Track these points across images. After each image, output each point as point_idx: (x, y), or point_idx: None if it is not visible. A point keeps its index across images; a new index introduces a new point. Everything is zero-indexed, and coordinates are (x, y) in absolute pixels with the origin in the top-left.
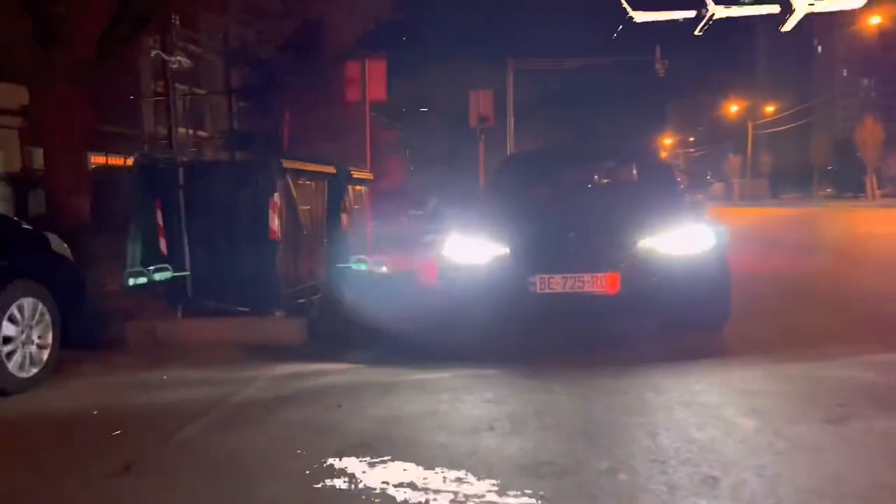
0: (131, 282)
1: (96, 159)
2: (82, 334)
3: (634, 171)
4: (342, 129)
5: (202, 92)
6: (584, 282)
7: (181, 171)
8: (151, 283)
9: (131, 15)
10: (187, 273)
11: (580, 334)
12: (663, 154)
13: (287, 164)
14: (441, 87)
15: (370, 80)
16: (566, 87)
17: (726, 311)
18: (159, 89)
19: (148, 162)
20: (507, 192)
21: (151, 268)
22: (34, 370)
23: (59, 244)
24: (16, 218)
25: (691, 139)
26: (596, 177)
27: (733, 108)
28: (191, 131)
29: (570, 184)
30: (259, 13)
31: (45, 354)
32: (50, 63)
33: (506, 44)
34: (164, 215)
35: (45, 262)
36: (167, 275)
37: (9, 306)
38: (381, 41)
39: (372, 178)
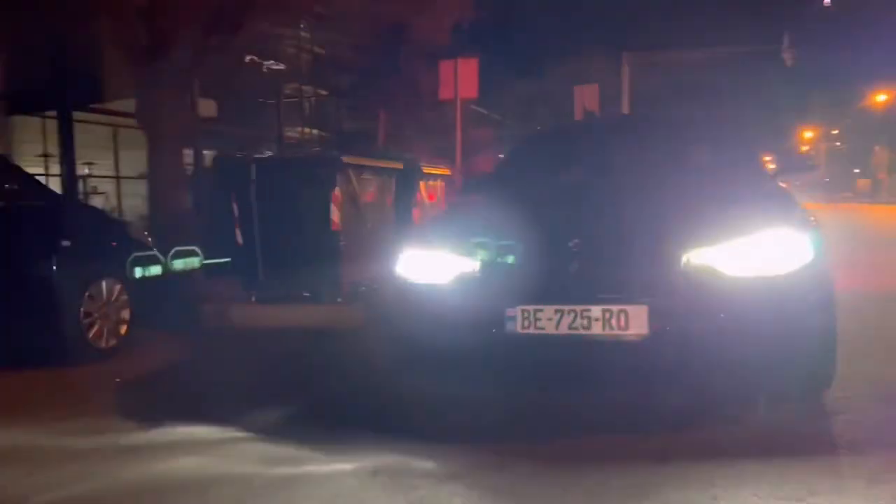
0: (138, 272)
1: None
2: (161, 314)
3: (701, 153)
4: (438, 127)
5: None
6: (589, 319)
7: (253, 167)
8: (169, 272)
9: (225, 24)
10: (226, 260)
11: (583, 403)
12: (803, 148)
13: (347, 159)
14: (547, 82)
15: (462, 78)
16: (688, 80)
17: (827, 372)
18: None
19: (224, 159)
20: (507, 184)
21: (171, 254)
22: (111, 342)
23: (138, 231)
24: (100, 208)
25: (834, 131)
26: (643, 160)
27: (881, 98)
28: (312, 131)
29: (598, 171)
30: (349, 18)
31: (122, 329)
32: (154, 72)
33: (616, 36)
34: (238, 208)
35: (124, 247)
36: (195, 261)
37: (89, 285)
38: (482, 36)
39: (449, 173)
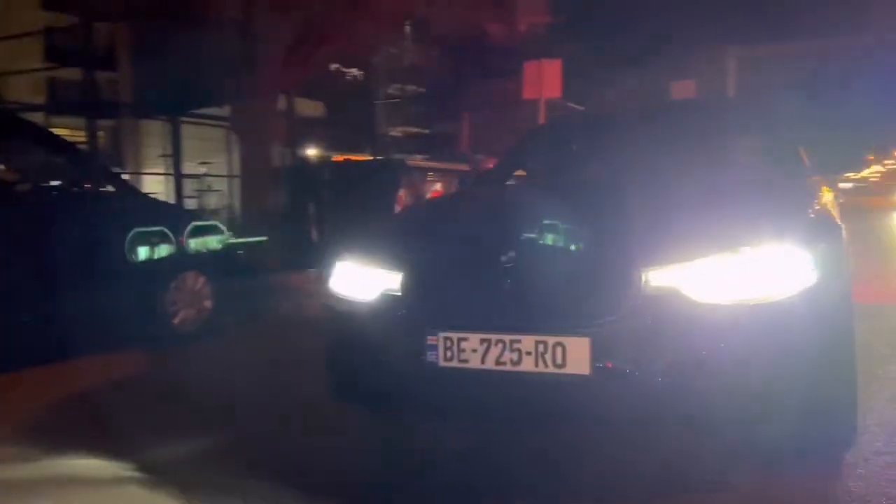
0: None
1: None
2: (244, 305)
3: (719, 146)
4: (524, 128)
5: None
6: (520, 352)
7: (327, 169)
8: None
9: (314, 36)
10: (261, 238)
11: (520, 458)
12: None
13: (412, 162)
14: (645, 78)
15: (546, 78)
16: (801, 73)
17: (847, 430)
18: (392, 91)
19: (302, 162)
20: (480, 185)
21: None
22: (192, 328)
23: (222, 228)
24: (186, 207)
25: None
26: (641, 157)
27: None
28: (409, 129)
29: (579, 170)
30: (438, 23)
31: (203, 317)
32: (248, 83)
33: (720, 28)
34: (314, 207)
35: (209, 242)
36: (215, 241)
37: (175, 277)
38: (576, 32)
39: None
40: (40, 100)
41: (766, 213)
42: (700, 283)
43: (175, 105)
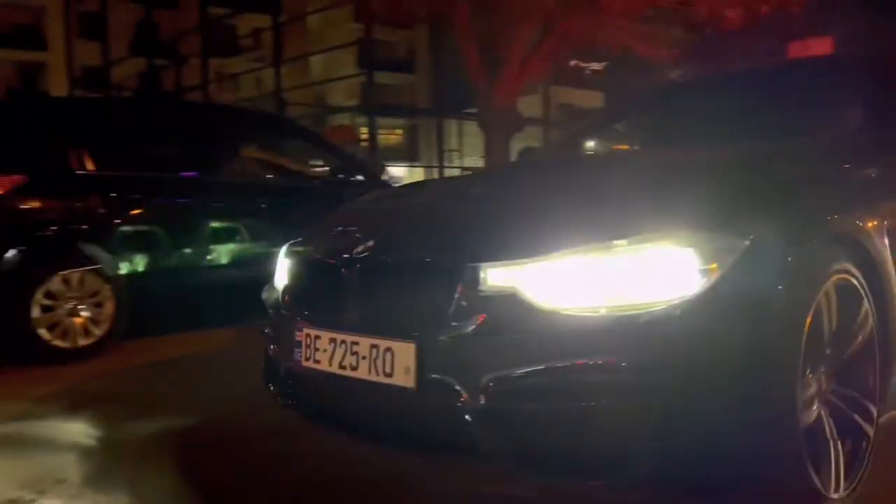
0: None
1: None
2: None
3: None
4: None
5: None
6: (358, 356)
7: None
8: None
9: (556, 34)
10: None
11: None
12: None
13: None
14: None
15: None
16: None
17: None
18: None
19: (526, 152)
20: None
21: None
22: None
23: None
24: None
25: None
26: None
27: None
28: None
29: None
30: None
31: None
32: (491, 80)
33: None
34: None
35: None
36: None
37: None
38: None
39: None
40: (354, 102)
41: (666, 198)
42: (547, 284)
43: (459, 104)
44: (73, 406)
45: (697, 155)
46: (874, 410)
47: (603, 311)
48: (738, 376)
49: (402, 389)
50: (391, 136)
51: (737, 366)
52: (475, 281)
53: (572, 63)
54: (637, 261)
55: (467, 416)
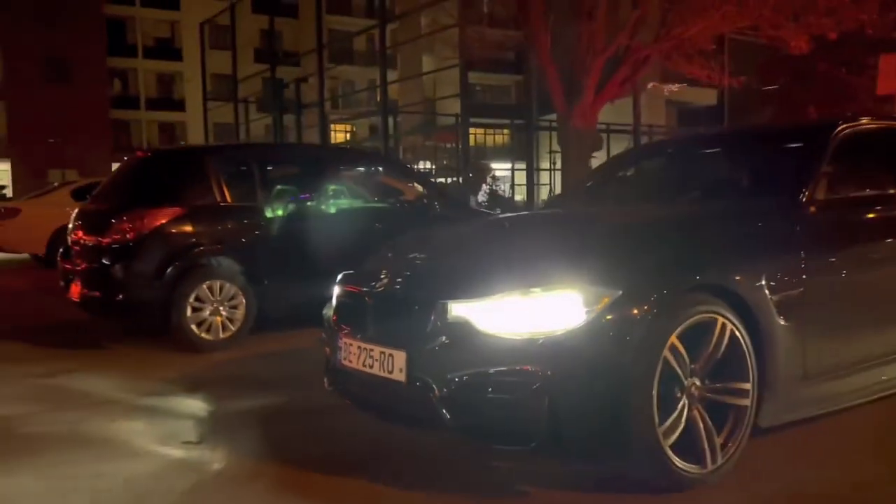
0: None
1: None
2: None
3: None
4: None
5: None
6: (373, 359)
7: None
8: None
9: (632, 59)
10: None
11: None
12: None
13: None
14: None
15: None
16: None
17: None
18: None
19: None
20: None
21: None
22: None
23: None
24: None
25: None
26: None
27: None
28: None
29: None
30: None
31: None
32: (569, 106)
33: None
34: None
35: None
36: None
37: None
38: None
39: None
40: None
41: (573, 255)
42: (488, 316)
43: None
44: (208, 381)
45: (612, 217)
46: (748, 386)
47: (521, 335)
48: (606, 383)
49: (398, 383)
50: (497, 136)
51: (607, 375)
52: (443, 312)
53: (650, 85)
54: (545, 302)
55: (437, 402)
